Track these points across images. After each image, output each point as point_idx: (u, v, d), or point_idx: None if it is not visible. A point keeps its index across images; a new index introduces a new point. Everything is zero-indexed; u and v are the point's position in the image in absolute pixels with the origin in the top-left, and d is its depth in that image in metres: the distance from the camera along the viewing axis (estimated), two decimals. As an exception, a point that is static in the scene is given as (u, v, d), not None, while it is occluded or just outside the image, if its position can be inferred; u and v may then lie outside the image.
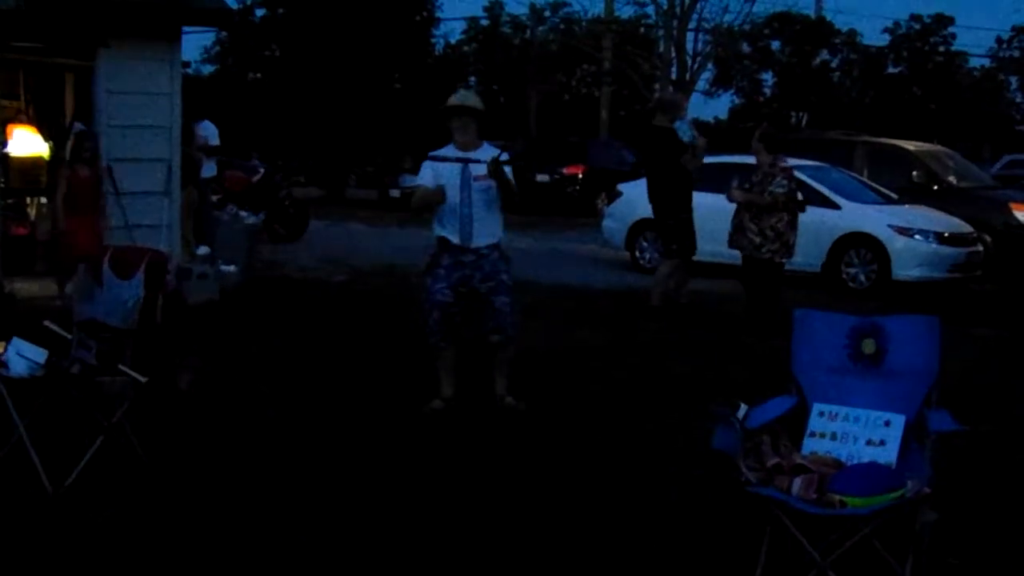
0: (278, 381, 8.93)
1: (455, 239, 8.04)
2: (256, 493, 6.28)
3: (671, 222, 12.61)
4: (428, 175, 8.11)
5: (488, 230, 8.09)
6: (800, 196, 14.40)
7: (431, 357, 8.33)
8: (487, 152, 8.08)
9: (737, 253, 11.75)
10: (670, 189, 12.45)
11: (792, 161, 14.77)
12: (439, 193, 8.01)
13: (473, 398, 8.42)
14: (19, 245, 13.49)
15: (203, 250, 13.60)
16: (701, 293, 13.69)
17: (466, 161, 8.02)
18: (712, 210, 12.68)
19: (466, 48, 51.96)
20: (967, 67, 52.62)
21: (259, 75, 42.19)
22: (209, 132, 15.89)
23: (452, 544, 5.63)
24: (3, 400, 6.11)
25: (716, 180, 12.98)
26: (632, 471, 6.92)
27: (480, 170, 7.97)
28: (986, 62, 53.12)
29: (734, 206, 11.66)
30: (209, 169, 15.79)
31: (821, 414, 5.40)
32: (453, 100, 8.26)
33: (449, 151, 8.17)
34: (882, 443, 5.21)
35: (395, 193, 31.05)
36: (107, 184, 12.16)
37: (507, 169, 8.04)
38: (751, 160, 12.01)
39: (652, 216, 13.49)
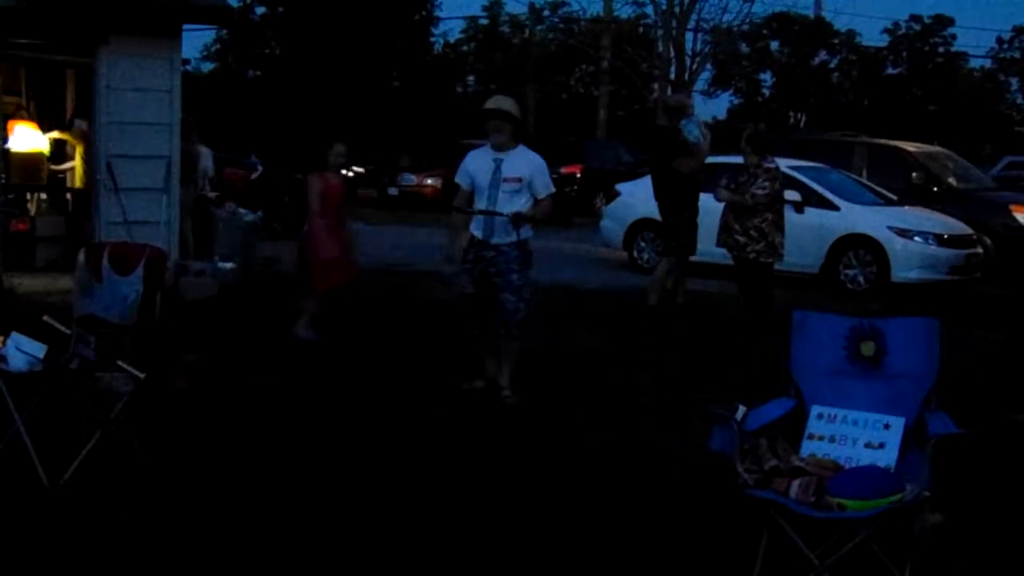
0: (275, 378, 8.93)
1: (479, 234, 8.46)
2: (253, 489, 6.27)
3: (671, 220, 12.61)
4: (465, 175, 8.58)
5: (510, 230, 8.40)
6: (799, 197, 14.44)
7: (468, 342, 8.88)
8: (522, 154, 8.43)
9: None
10: (673, 188, 12.43)
11: (790, 162, 14.80)
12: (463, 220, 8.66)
13: (474, 395, 8.50)
14: (19, 240, 13.51)
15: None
16: (699, 293, 13.69)
17: (499, 162, 8.36)
18: (708, 210, 12.67)
19: (465, 47, 51.97)
20: (967, 68, 52.63)
21: (259, 73, 42.26)
22: None
23: (449, 543, 5.63)
24: (1, 395, 6.10)
25: (713, 180, 12.99)
26: (629, 472, 6.91)
27: (511, 171, 8.31)
28: (986, 63, 53.18)
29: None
30: None
31: (820, 416, 5.40)
32: (489, 104, 8.52)
33: (486, 150, 8.50)
34: (881, 446, 5.21)
35: (393, 191, 31.06)
36: (106, 181, 12.17)
37: (542, 174, 8.46)
38: (746, 161, 12.01)
39: (650, 216, 13.50)
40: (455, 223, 8.85)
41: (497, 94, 9.24)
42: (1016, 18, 64.38)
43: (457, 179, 8.71)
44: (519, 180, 8.29)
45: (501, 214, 8.29)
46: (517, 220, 8.28)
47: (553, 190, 8.47)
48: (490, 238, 8.40)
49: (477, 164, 8.48)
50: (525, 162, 8.37)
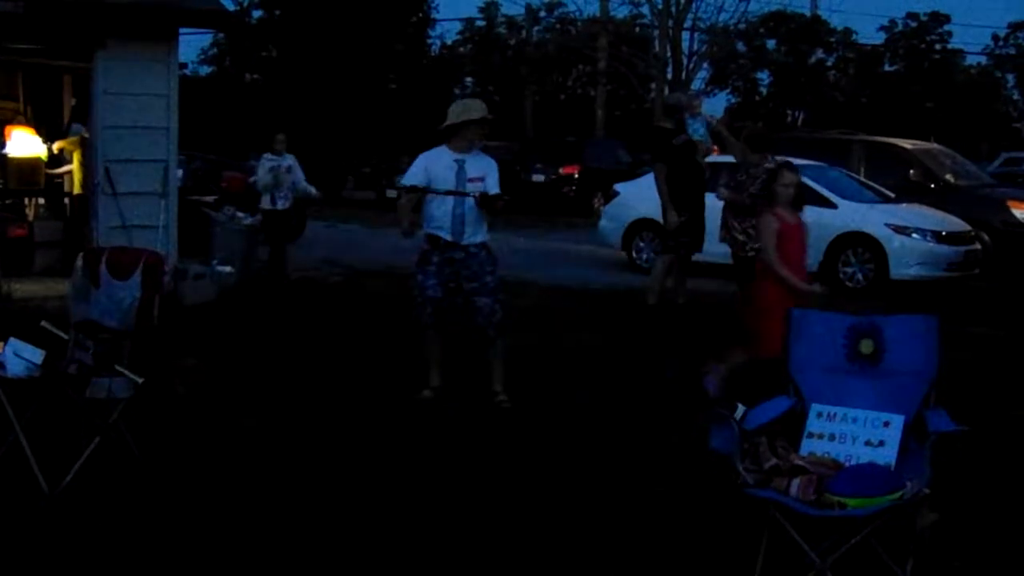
0: (274, 381, 8.92)
1: (447, 236, 8.33)
2: (253, 493, 6.27)
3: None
4: (420, 175, 8.39)
5: (479, 229, 8.40)
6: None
7: (422, 349, 8.67)
8: (480, 155, 8.48)
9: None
10: (673, 188, 12.41)
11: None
12: (408, 207, 8.48)
13: (467, 395, 8.51)
14: (17, 246, 13.50)
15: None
16: (698, 292, 13.67)
17: (461, 162, 8.33)
18: (708, 209, 12.65)
19: (462, 49, 51.97)
20: (964, 65, 52.64)
21: (256, 76, 42.26)
22: None
23: (450, 545, 5.63)
24: (0, 401, 6.10)
25: (714, 179, 12.99)
26: (629, 472, 6.91)
27: (475, 171, 8.31)
28: (983, 59, 53.20)
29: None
30: None
31: (819, 415, 5.40)
32: (476, 113, 8.47)
33: (443, 151, 8.43)
34: (881, 444, 5.21)
35: (392, 194, 31.04)
36: (104, 185, 12.16)
37: (495, 177, 8.42)
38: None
39: (648, 216, 13.50)
40: (405, 206, 8.55)
41: (463, 99, 9.21)
42: (1011, 14, 64.41)
43: (409, 181, 8.45)
44: (482, 179, 8.30)
45: (467, 193, 8.22)
46: (485, 200, 8.20)
47: (499, 191, 8.42)
48: (460, 239, 8.31)
49: (437, 166, 8.37)
50: (484, 163, 8.44)
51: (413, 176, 8.42)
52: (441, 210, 8.30)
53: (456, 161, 8.33)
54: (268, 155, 14.71)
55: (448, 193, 8.26)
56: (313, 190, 15.18)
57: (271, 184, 14.42)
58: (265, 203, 14.54)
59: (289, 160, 14.70)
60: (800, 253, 8.15)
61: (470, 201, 8.24)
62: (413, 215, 8.44)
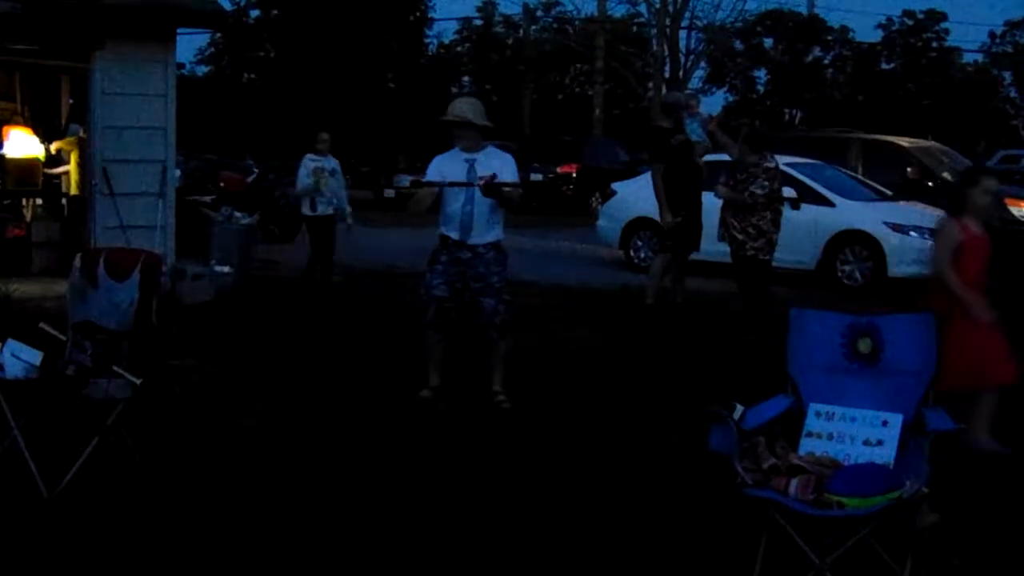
0: (273, 382, 8.92)
1: (455, 235, 8.33)
2: (252, 494, 6.26)
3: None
4: (435, 176, 8.41)
5: (488, 230, 8.36)
6: (794, 193, 14.42)
7: (423, 348, 8.63)
8: (491, 154, 8.45)
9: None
10: (670, 187, 12.42)
11: (786, 159, 14.77)
12: (428, 194, 8.35)
13: (466, 395, 8.51)
14: (15, 246, 13.50)
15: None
16: (697, 292, 13.67)
17: (471, 162, 8.31)
18: (705, 208, 12.67)
19: (459, 48, 51.99)
20: (960, 62, 52.63)
21: (253, 76, 42.30)
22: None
23: (448, 544, 5.63)
24: (-2, 403, 6.11)
25: (713, 178, 12.99)
26: (628, 472, 6.91)
27: (485, 170, 8.26)
28: (979, 57, 53.19)
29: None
30: None
31: (818, 414, 5.39)
32: (450, 115, 8.50)
33: (455, 152, 8.45)
34: (880, 443, 5.21)
35: (390, 193, 31.06)
36: (102, 186, 12.16)
37: (512, 172, 8.41)
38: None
39: (646, 215, 13.48)
40: (421, 197, 8.46)
41: (458, 98, 9.10)
42: (1008, 12, 64.48)
43: (426, 180, 8.48)
44: (493, 177, 8.21)
45: (473, 184, 8.17)
46: (490, 188, 8.15)
47: (519, 184, 8.41)
48: (467, 238, 8.30)
49: (448, 166, 8.38)
50: (497, 161, 8.40)
51: (428, 179, 8.45)
52: (452, 209, 8.30)
53: (467, 161, 8.34)
54: (310, 155, 13.65)
55: (452, 185, 8.23)
56: (348, 208, 13.84)
57: (311, 188, 13.35)
58: (305, 209, 13.50)
59: (333, 163, 13.75)
60: (982, 270, 7.41)
61: (480, 200, 8.21)
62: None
